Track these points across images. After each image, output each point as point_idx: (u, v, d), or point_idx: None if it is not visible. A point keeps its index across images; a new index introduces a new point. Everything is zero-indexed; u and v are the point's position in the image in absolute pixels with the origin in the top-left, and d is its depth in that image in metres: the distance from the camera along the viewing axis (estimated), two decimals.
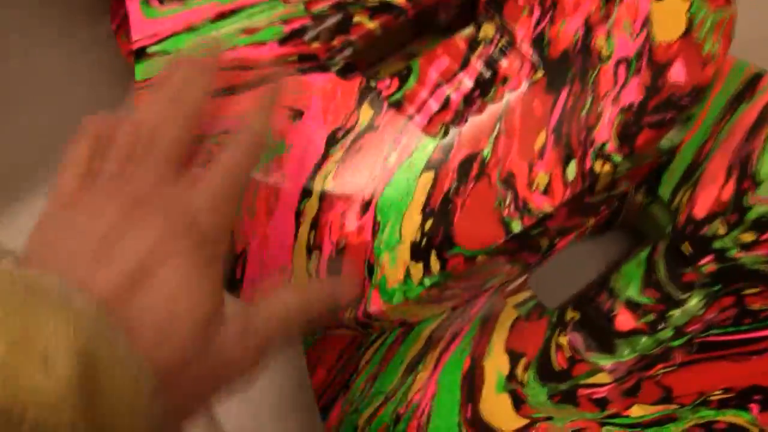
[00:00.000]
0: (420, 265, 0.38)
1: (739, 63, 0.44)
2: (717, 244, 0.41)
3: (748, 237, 0.41)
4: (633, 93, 0.39)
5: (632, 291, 0.41)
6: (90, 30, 0.55)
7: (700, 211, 0.41)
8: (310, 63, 0.42)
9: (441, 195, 0.38)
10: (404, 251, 0.38)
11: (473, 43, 0.43)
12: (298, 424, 0.46)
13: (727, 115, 0.43)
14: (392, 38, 0.45)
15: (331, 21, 0.43)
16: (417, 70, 0.42)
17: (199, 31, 0.43)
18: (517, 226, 0.37)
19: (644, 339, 0.40)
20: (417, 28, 0.46)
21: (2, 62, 0.55)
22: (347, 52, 0.42)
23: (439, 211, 0.38)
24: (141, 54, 0.43)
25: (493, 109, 0.40)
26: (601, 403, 0.38)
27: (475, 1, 0.44)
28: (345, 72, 0.42)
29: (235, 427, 0.46)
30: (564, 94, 0.40)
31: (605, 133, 0.39)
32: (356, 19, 0.43)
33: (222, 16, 0.43)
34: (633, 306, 0.41)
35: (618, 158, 0.38)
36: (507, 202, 0.38)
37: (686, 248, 0.41)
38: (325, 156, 0.40)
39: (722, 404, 0.38)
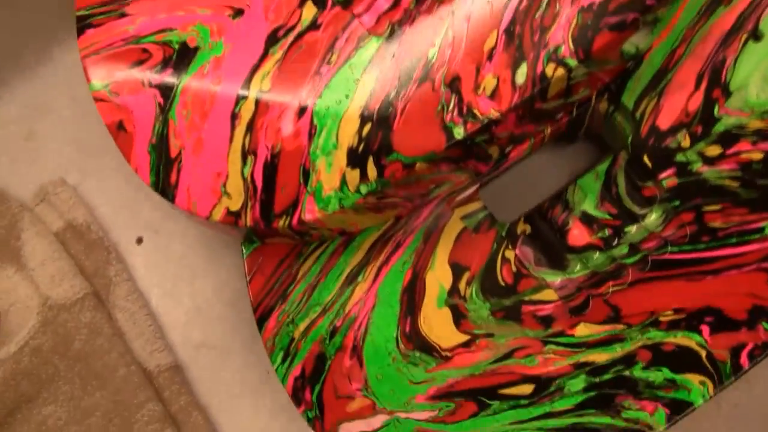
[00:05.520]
0: (356, 172, 0.36)
1: None
2: (680, 157, 0.38)
3: (713, 150, 0.38)
4: None
5: (588, 205, 0.39)
6: None
7: (664, 121, 0.39)
8: None
9: (381, 98, 0.36)
10: (341, 157, 0.36)
11: None
12: (237, 329, 0.45)
13: (702, 19, 0.40)
14: None
15: None
16: None
17: None
18: (459, 133, 0.35)
19: (597, 255, 0.38)
20: None
21: None
22: None
23: (379, 116, 0.36)
24: None
25: (443, 9, 0.37)
26: (546, 321, 0.37)
27: None
28: None
29: (182, 337, 0.46)
30: None
31: (560, 35, 0.36)
32: None
33: None
34: (588, 220, 0.38)
35: (572, 62, 0.36)
36: (450, 106, 0.36)
37: (647, 160, 0.38)
38: (264, 56, 0.37)
39: (672, 325, 0.36)
